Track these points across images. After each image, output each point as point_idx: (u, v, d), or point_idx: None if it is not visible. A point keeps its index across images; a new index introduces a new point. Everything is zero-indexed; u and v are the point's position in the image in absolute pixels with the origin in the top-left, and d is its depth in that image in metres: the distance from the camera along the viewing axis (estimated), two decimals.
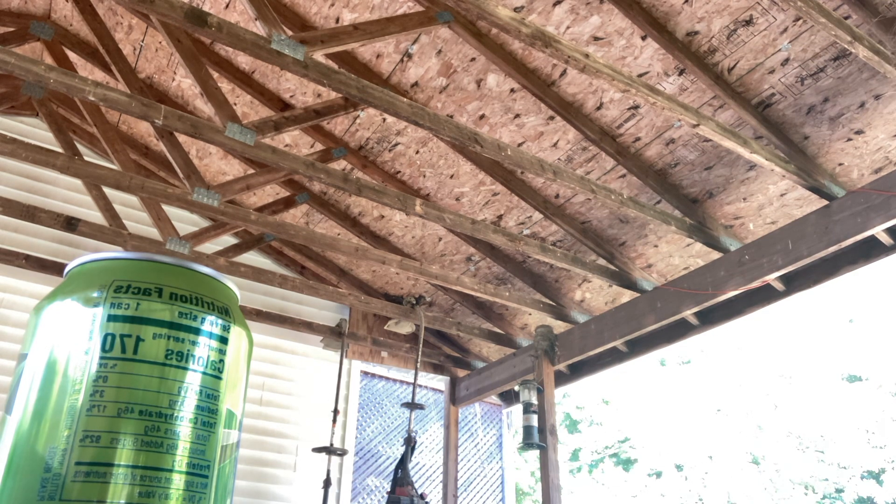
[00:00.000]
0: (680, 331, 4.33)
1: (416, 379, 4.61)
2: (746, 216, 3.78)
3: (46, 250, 4.43)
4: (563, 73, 3.35)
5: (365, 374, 5.70)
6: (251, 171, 4.46)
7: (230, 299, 2.53)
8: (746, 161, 3.45)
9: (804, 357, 14.71)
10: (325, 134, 4.17)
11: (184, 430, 2.18)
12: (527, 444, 4.36)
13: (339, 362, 4.87)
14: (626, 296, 4.43)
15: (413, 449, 4.09)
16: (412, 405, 4.36)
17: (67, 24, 4.24)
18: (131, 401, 2.11)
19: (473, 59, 3.43)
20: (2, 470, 2.08)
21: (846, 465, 13.39)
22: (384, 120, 3.94)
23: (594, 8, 3.03)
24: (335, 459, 4.98)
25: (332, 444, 4.41)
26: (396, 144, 4.09)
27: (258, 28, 2.73)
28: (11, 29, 4.05)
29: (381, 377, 5.82)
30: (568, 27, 3.13)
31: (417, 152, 4.09)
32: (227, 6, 3.60)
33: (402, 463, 3.98)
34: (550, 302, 4.67)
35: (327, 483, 4.36)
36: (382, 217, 4.71)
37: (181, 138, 4.35)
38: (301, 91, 3.95)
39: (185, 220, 4.94)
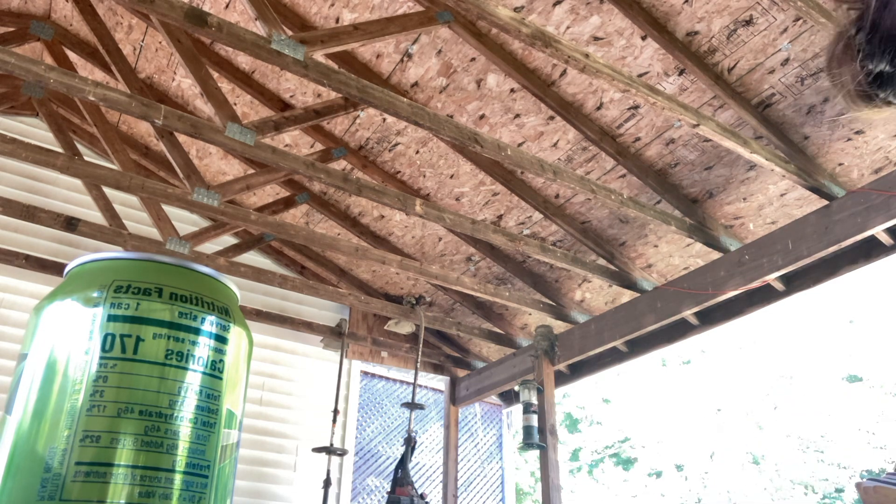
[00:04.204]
0: (680, 331, 4.34)
1: (416, 379, 4.61)
2: (746, 216, 3.78)
3: (46, 250, 4.43)
4: (563, 73, 3.35)
5: (365, 374, 5.70)
6: (251, 171, 4.46)
7: (230, 299, 2.53)
8: (746, 161, 3.45)
9: (804, 357, 14.70)
10: (325, 134, 4.17)
11: (184, 430, 2.18)
12: (527, 444, 4.36)
13: (339, 362, 4.87)
14: (626, 296, 4.43)
15: (413, 449, 4.09)
16: (412, 405, 4.36)
17: (67, 24, 4.24)
18: (131, 401, 2.11)
19: (473, 59, 3.43)
20: (2, 470, 2.08)
21: (846, 465, 13.39)
22: (384, 120, 3.94)
23: (594, 8, 3.03)
24: (335, 459, 4.98)
25: (332, 444, 4.41)
26: (396, 144, 4.09)
27: (258, 28, 2.73)
28: (11, 29, 4.05)
29: (381, 377, 5.82)
30: (568, 27, 3.13)
31: (417, 152, 4.09)
32: (227, 6, 3.60)
33: (402, 463, 3.98)
34: (550, 302, 4.67)
35: (327, 483, 4.36)
36: (382, 217, 4.71)
37: (181, 138, 4.35)
38: (301, 91, 3.95)
39: (185, 220, 4.94)
